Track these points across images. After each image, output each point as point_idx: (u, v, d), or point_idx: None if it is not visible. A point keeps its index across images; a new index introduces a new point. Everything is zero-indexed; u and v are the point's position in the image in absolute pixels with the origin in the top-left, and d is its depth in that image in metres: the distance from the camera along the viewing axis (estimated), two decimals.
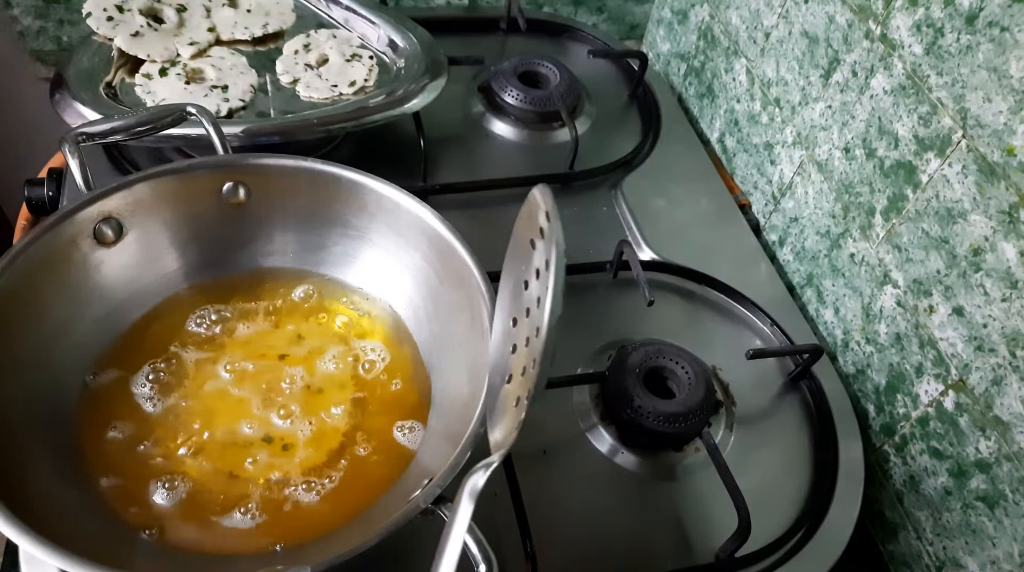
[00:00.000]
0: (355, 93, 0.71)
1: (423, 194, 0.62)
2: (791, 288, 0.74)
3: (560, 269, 0.34)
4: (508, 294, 0.42)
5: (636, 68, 0.88)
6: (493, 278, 0.46)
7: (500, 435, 0.39)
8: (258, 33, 0.74)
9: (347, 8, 0.79)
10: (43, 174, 0.69)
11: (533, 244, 0.38)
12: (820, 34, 0.67)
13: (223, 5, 0.75)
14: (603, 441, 0.59)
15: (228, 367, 0.53)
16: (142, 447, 0.49)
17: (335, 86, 0.71)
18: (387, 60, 0.76)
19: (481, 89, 0.85)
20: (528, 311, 0.38)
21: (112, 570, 0.37)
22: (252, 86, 0.70)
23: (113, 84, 0.68)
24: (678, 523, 0.56)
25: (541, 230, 0.36)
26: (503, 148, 0.81)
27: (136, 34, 0.70)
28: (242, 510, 0.47)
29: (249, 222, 0.57)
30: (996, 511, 0.53)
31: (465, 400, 0.47)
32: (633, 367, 0.59)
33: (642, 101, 0.88)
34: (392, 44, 0.77)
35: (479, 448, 0.41)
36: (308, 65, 0.73)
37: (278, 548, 0.46)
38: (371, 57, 0.75)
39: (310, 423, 0.51)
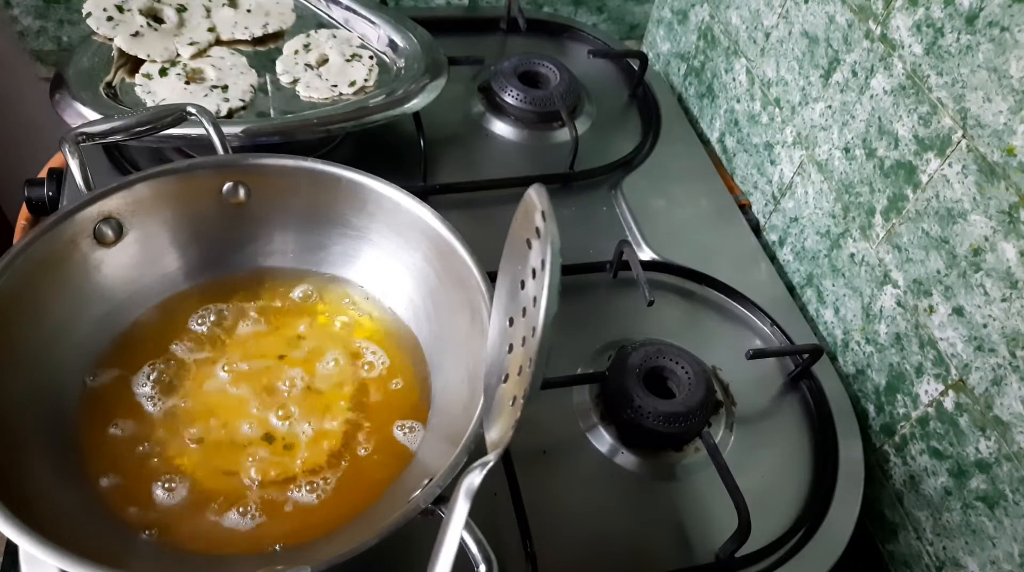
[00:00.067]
0: (355, 93, 0.71)
1: (423, 194, 0.62)
2: (791, 288, 0.74)
3: (556, 268, 0.34)
4: (505, 294, 0.42)
5: (636, 68, 0.88)
6: (493, 278, 0.46)
7: (497, 434, 0.39)
8: (258, 33, 0.74)
9: (347, 8, 0.79)
10: (43, 174, 0.69)
11: (529, 244, 0.38)
12: (820, 34, 0.67)
13: (223, 5, 0.75)
14: (603, 441, 0.59)
15: (228, 367, 0.53)
16: (142, 447, 0.49)
17: (335, 86, 0.71)
18: (387, 60, 0.76)
19: (481, 89, 0.85)
20: (524, 311, 0.38)
21: (112, 570, 0.37)
22: (252, 86, 0.70)
23: (113, 84, 0.68)
24: (678, 523, 0.56)
25: (537, 230, 0.36)
26: (503, 148, 0.81)
27: (136, 34, 0.70)
28: (242, 510, 0.47)
29: (249, 222, 0.57)
30: (996, 511, 0.53)
31: (465, 400, 0.47)
32: (633, 367, 0.59)
33: (642, 101, 0.88)
34: (392, 44, 0.77)
35: (479, 448, 0.41)
36: (308, 65, 0.73)
37: (278, 548, 0.46)
38: (371, 57, 0.75)
39: (310, 423, 0.51)
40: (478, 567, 0.36)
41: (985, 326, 0.53)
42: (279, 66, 0.72)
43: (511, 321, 0.41)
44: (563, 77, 0.83)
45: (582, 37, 0.94)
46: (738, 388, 0.64)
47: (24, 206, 0.69)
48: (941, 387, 0.57)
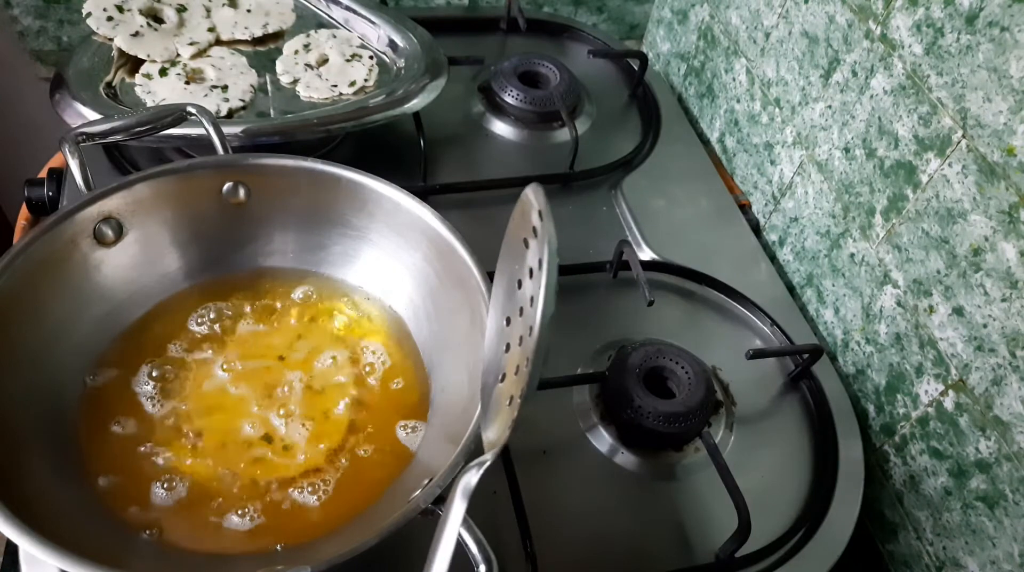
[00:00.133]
0: (355, 93, 0.71)
1: (423, 194, 0.62)
2: (791, 288, 0.74)
3: (552, 268, 0.34)
4: (502, 293, 0.42)
5: (636, 68, 0.88)
6: (493, 278, 0.46)
7: (494, 434, 0.39)
8: (258, 33, 0.74)
9: (347, 8, 0.79)
10: (43, 174, 0.69)
11: (526, 243, 0.38)
12: (820, 34, 0.67)
13: (223, 5, 0.75)
14: (603, 441, 0.59)
15: (228, 367, 0.53)
16: (142, 447, 0.49)
17: (335, 86, 0.71)
18: (387, 60, 0.76)
19: (481, 89, 0.85)
20: (522, 310, 0.38)
21: (112, 570, 0.37)
22: (252, 86, 0.70)
23: (113, 84, 0.68)
24: (678, 523, 0.56)
25: (534, 229, 0.36)
26: (503, 148, 0.81)
27: (136, 34, 0.70)
28: (242, 510, 0.47)
29: (249, 222, 0.57)
30: (996, 511, 0.53)
31: (465, 400, 0.47)
32: (633, 367, 0.59)
33: (642, 101, 0.88)
34: (392, 44, 0.77)
35: (479, 448, 0.41)
36: (308, 65, 0.73)
37: (278, 548, 0.46)
38: (371, 57, 0.75)
39: (310, 423, 0.51)
40: (478, 567, 0.36)
41: (985, 326, 0.53)
42: (279, 66, 0.72)
43: (508, 320, 0.41)
44: (563, 77, 0.83)
45: (582, 37, 0.94)
46: (738, 388, 0.64)
47: (24, 206, 0.69)
48: (941, 387, 0.57)
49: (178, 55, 0.70)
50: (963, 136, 0.53)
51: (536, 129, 0.82)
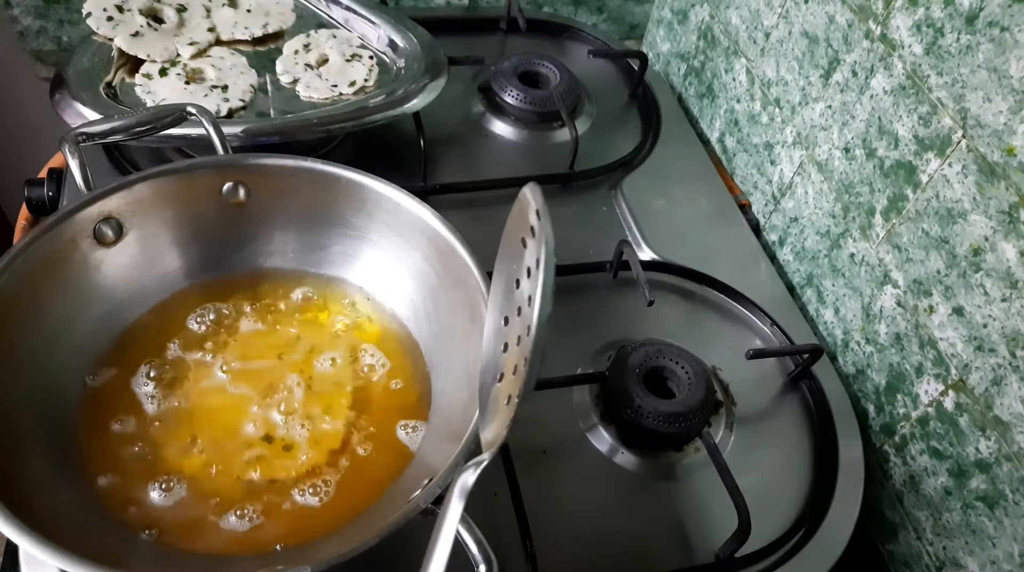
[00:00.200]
0: (355, 93, 0.71)
1: (423, 194, 0.62)
2: (791, 288, 0.74)
3: (550, 267, 0.34)
4: (500, 293, 0.42)
5: (636, 68, 0.88)
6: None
7: (491, 434, 0.39)
8: (258, 33, 0.74)
9: (347, 8, 0.79)
10: (43, 174, 0.69)
11: (524, 242, 0.38)
12: (820, 34, 0.67)
13: (223, 5, 0.75)
14: (603, 441, 0.59)
15: (228, 367, 0.53)
16: (142, 447, 0.49)
17: (335, 86, 0.71)
18: (387, 60, 0.76)
19: (481, 89, 0.85)
20: (519, 310, 0.38)
21: (112, 570, 0.37)
22: (252, 86, 0.70)
23: (113, 84, 0.68)
24: (678, 523, 0.56)
25: (532, 228, 0.36)
26: (503, 148, 0.81)
27: (136, 34, 0.70)
28: (242, 510, 0.47)
29: (249, 222, 0.57)
30: (996, 511, 0.53)
31: (465, 400, 0.47)
32: (633, 367, 0.59)
33: (642, 101, 0.88)
34: (392, 44, 0.77)
35: (480, 448, 0.41)
36: (308, 65, 0.73)
37: (278, 548, 0.46)
38: (371, 57, 0.75)
39: (310, 423, 0.51)
40: (478, 567, 0.36)
41: (985, 326, 0.53)
42: (279, 66, 0.72)
43: (506, 320, 0.41)
44: (563, 77, 0.83)
45: (582, 37, 0.94)
46: (738, 388, 0.64)
47: (24, 206, 0.69)
48: (941, 387, 0.57)
49: (178, 55, 0.70)
50: (963, 136, 0.53)
51: (536, 129, 0.82)
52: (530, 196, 0.37)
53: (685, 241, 0.73)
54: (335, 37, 0.76)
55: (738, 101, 0.81)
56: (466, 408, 0.46)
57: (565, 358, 0.63)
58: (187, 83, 0.68)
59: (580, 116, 0.84)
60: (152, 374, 0.52)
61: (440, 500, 0.40)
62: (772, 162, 0.76)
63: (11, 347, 0.46)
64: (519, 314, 0.38)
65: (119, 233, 0.53)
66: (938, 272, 0.56)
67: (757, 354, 0.63)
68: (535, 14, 0.95)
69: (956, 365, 0.55)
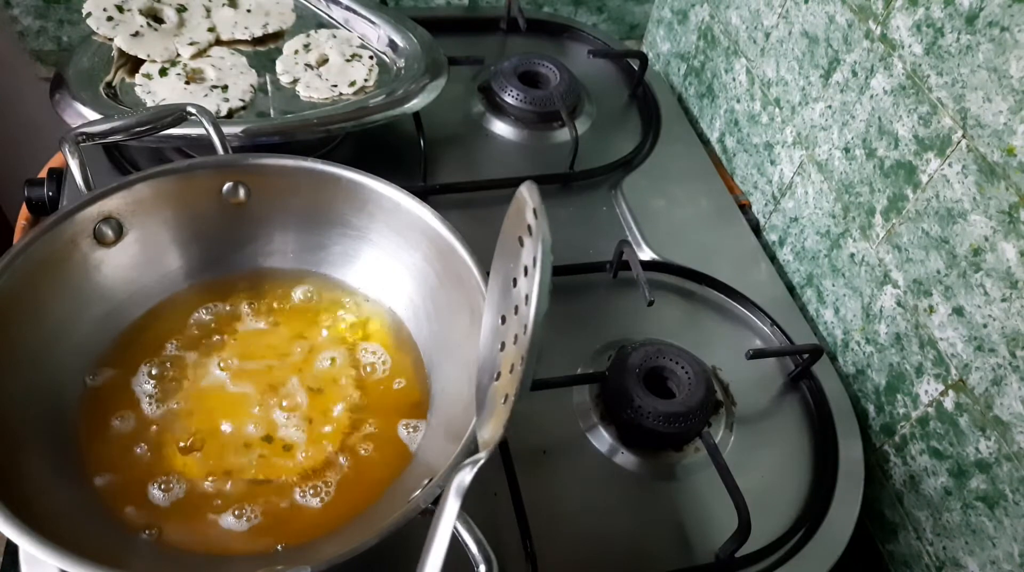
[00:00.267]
0: (355, 93, 0.71)
1: (423, 194, 0.62)
2: (791, 288, 0.74)
3: (546, 266, 0.34)
4: (497, 292, 0.42)
5: (636, 68, 0.88)
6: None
7: (488, 433, 0.39)
8: (258, 33, 0.74)
9: (347, 8, 0.79)
10: (43, 174, 0.69)
11: (521, 241, 0.38)
12: (820, 34, 0.67)
13: (223, 5, 0.75)
14: (603, 441, 0.59)
15: (228, 367, 0.53)
16: (142, 447, 0.49)
17: (335, 86, 0.71)
18: (387, 60, 0.76)
19: (481, 89, 0.85)
20: (516, 309, 0.38)
21: (112, 570, 0.37)
22: (252, 86, 0.70)
23: (113, 84, 0.68)
24: (678, 523, 0.56)
25: (529, 227, 0.36)
26: (503, 148, 0.81)
27: (136, 34, 0.70)
28: (242, 510, 0.47)
29: (249, 222, 0.57)
30: (996, 511, 0.53)
31: (465, 400, 0.47)
32: (633, 367, 0.59)
33: (642, 101, 0.88)
34: (392, 44, 0.77)
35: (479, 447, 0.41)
36: (308, 65, 0.73)
37: (278, 548, 0.46)
38: (371, 57, 0.75)
39: (310, 423, 0.51)
40: (478, 567, 0.36)
41: (985, 326, 0.53)
42: (279, 66, 0.72)
43: (503, 319, 0.40)
44: (563, 77, 0.83)
45: (582, 37, 0.94)
46: (738, 388, 0.64)
47: (24, 206, 0.69)
48: (941, 387, 0.57)
49: (178, 55, 0.70)
50: (963, 136, 0.53)
51: (536, 129, 0.82)
52: (527, 195, 0.37)
53: (685, 241, 0.73)
54: (335, 37, 0.76)
55: (738, 101, 0.81)
56: (466, 408, 0.46)
57: (565, 358, 0.63)
58: (187, 83, 0.68)
59: (580, 116, 0.84)
60: (152, 374, 0.52)
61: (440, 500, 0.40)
62: (772, 162, 0.76)
63: (11, 347, 0.46)
64: (516, 313, 0.38)
65: (119, 233, 0.53)
66: (938, 272, 0.56)
67: (757, 354, 0.63)
68: (535, 14, 0.95)
69: (956, 365, 0.55)
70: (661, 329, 0.67)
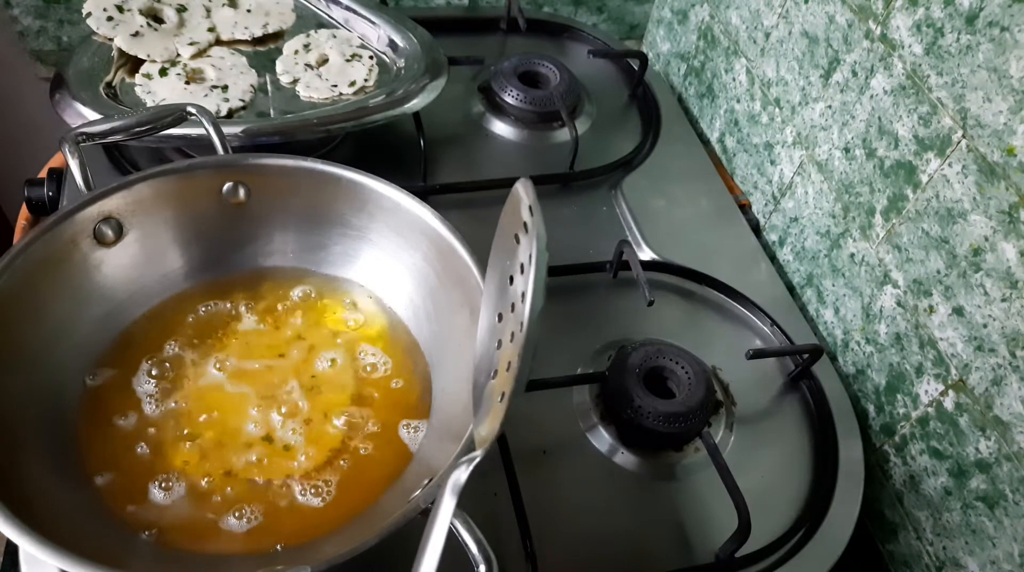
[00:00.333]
0: (355, 93, 0.71)
1: (423, 194, 0.62)
2: (791, 288, 0.74)
3: (542, 263, 0.34)
4: (494, 289, 0.42)
5: (636, 68, 0.88)
6: None
7: (485, 430, 0.39)
8: (258, 33, 0.74)
9: (347, 8, 0.79)
10: (43, 174, 0.69)
11: (517, 239, 0.38)
12: (820, 34, 0.67)
13: (223, 5, 0.75)
14: (603, 441, 0.59)
15: (228, 367, 0.53)
16: (142, 447, 0.49)
17: (335, 86, 0.71)
18: (387, 60, 0.76)
19: (481, 89, 0.85)
20: (513, 306, 0.38)
21: (112, 570, 0.37)
22: (252, 86, 0.70)
23: (113, 84, 0.68)
24: (678, 523, 0.56)
25: (525, 224, 0.36)
26: (503, 148, 0.81)
27: (136, 34, 0.70)
28: (242, 510, 0.47)
29: (249, 222, 0.57)
30: (996, 511, 0.53)
31: (465, 400, 0.47)
32: (633, 367, 0.59)
33: (642, 101, 0.88)
34: (392, 44, 0.77)
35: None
36: (308, 65, 0.73)
37: (278, 548, 0.46)
38: (371, 57, 0.75)
39: (310, 423, 0.51)
40: (478, 567, 0.36)
41: (985, 326, 0.53)
42: (279, 66, 0.72)
43: (500, 316, 0.40)
44: (563, 77, 0.83)
45: (582, 37, 0.94)
46: (738, 388, 0.64)
47: (24, 206, 0.69)
48: (941, 387, 0.57)
49: (178, 55, 0.70)
50: (963, 136, 0.53)
51: (536, 129, 0.82)
52: (522, 192, 0.37)
53: (685, 241, 0.73)
54: (335, 37, 0.76)
55: (738, 101, 0.81)
56: (466, 408, 0.46)
57: (565, 358, 0.63)
58: (187, 83, 0.68)
59: (580, 116, 0.84)
60: (152, 374, 0.52)
61: None
62: (772, 162, 0.76)
63: (11, 347, 0.46)
64: (512, 310, 0.38)
65: (119, 233, 0.53)
66: (938, 272, 0.56)
67: (757, 354, 0.63)
68: (535, 14, 0.95)
69: (956, 365, 0.55)
70: (661, 329, 0.67)
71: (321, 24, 0.78)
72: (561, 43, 0.94)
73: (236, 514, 0.47)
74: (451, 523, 0.36)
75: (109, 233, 0.52)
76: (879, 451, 0.63)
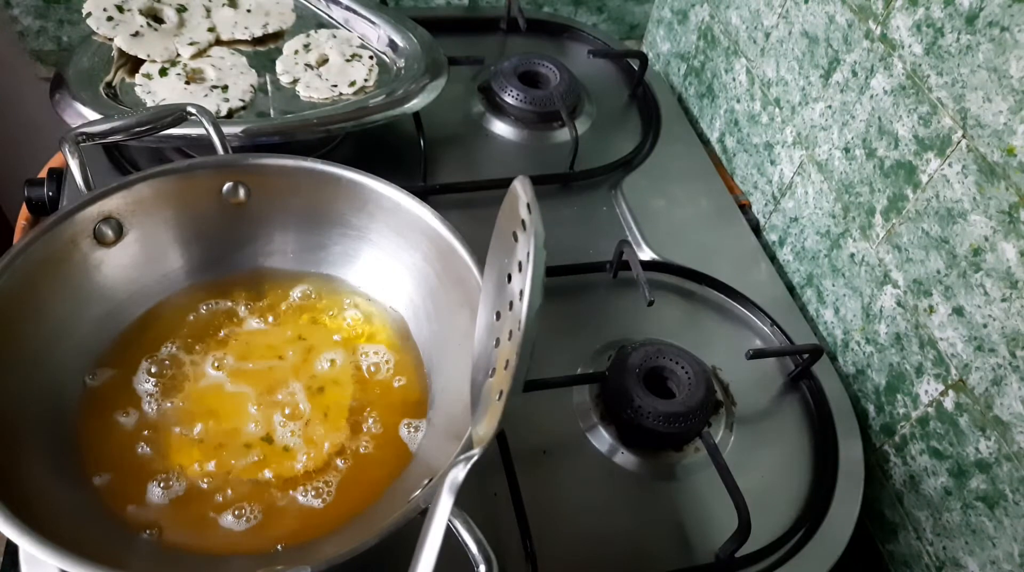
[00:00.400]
0: (355, 93, 0.71)
1: (423, 194, 0.62)
2: (791, 288, 0.74)
3: (539, 260, 0.34)
4: (492, 288, 0.42)
5: (636, 68, 0.88)
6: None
7: (483, 429, 0.39)
8: (258, 33, 0.74)
9: (347, 8, 0.79)
10: (43, 174, 0.69)
11: (515, 236, 0.38)
12: (820, 34, 0.67)
13: (223, 5, 0.75)
14: (603, 441, 0.59)
15: (228, 367, 0.53)
16: (142, 447, 0.49)
17: (335, 86, 0.71)
18: (387, 60, 0.76)
19: (481, 89, 0.85)
20: (511, 305, 0.38)
21: (112, 570, 0.37)
22: (252, 86, 0.70)
23: (113, 84, 0.68)
24: (678, 523, 0.56)
25: (523, 222, 0.36)
26: (503, 148, 0.81)
27: (136, 34, 0.70)
28: (242, 510, 0.47)
29: (249, 222, 0.57)
30: (996, 511, 0.53)
31: (465, 400, 0.47)
32: (633, 367, 0.59)
33: (642, 101, 0.88)
34: (392, 44, 0.77)
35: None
36: (308, 65, 0.73)
37: (278, 548, 0.46)
38: (371, 57, 0.75)
39: (310, 423, 0.51)
40: (478, 567, 0.36)
41: (985, 326, 0.53)
42: (279, 66, 0.72)
43: (498, 315, 0.40)
44: (563, 77, 0.83)
45: (582, 37, 0.94)
46: (738, 388, 0.64)
47: (24, 206, 0.69)
48: (941, 387, 0.57)
49: (178, 55, 0.70)
50: (963, 136, 0.53)
51: (536, 129, 0.82)
52: (520, 189, 0.37)
53: (685, 241, 0.73)
54: (335, 37, 0.76)
55: (738, 101, 0.81)
56: (467, 407, 0.46)
57: (565, 358, 0.63)
58: (187, 83, 0.68)
59: (580, 116, 0.84)
60: (152, 374, 0.52)
61: None
62: (772, 162, 0.76)
63: (11, 347, 0.46)
64: (511, 309, 0.38)
65: (119, 233, 0.53)
66: (938, 272, 0.56)
67: (757, 354, 0.63)
68: (535, 14, 0.95)
69: (956, 365, 0.55)
70: (661, 329, 0.67)
71: (321, 24, 0.78)
72: (561, 43, 0.94)
73: (236, 514, 0.47)
74: (451, 523, 0.36)
75: (109, 233, 0.52)
76: (879, 451, 0.63)
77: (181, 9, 0.73)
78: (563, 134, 0.82)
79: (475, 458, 0.37)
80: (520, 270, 0.37)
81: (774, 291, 0.71)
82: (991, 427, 0.53)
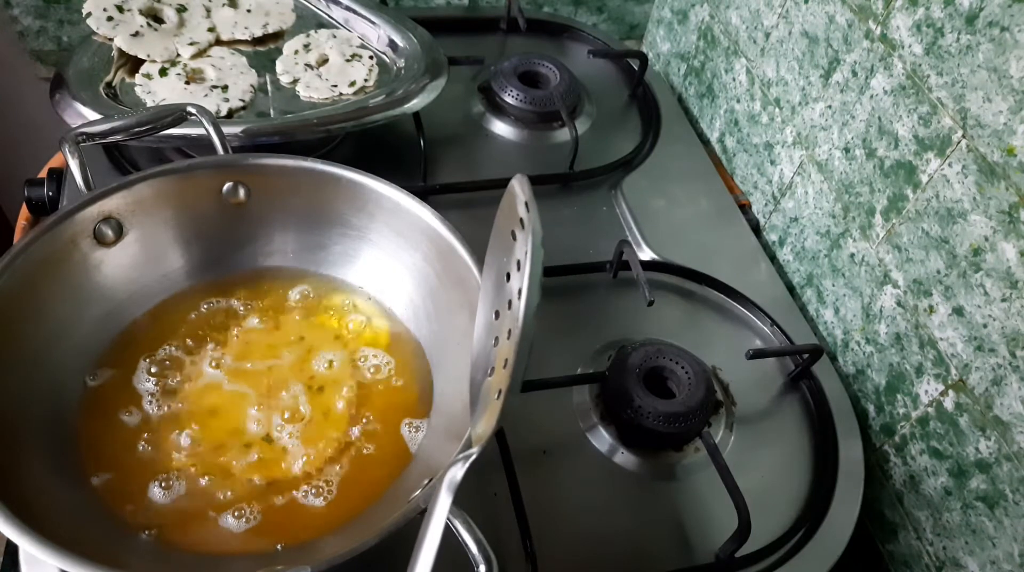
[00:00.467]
0: (355, 93, 0.71)
1: (423, 194, 0.62)
2: (791, 288, 0.74)
3: (537, 258, 0.34)
4: (491, 287, 0.42)
5: (636, 68, 0.88)
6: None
7: (481, 428, 0.39)
8: (258, 33, 0.74)
9: (347, 8, 0.79)
10: (43, 174, 0.69)
11: (514, 235, 0.37)
12: (820, 34, 0.67)
13: (223, 5, 0.75)
14: (603, 441, 0.59)
15: (228, 367, 0.53)
16: (142, 447, 0.49)
17: (335, 86, 0.71)
18: (387, 60, 0.76)
19: (481, 89, 0.85)
20: (510, 304, 0.38)
21: (112, 570, 0.37)
22: (252, 86, 0.70)
23: (113, 84, 0.68)
24: (678, 523, 0.56)
25: (521, 221, 0.36)
26: (503, 148, 0.81)
27: (136, 34, 0.70)
28: (242, 510, 0.47)
29: (249, 222, 0.57)
30: (996, 511, 0.53)
31: (465, 399, 0.47)
32: (633, 367, 0.59)
33: (642, 101, 0.88)
34: (392, 44, 0.77)
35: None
36: (308, 65, 0.73)
37: (278, 548, 0.46)
38: (371, 57, 0.75)
39: (311, 423, 0.51)
40: (478, 567, 0.36)
41: (985, 326, 0.53)
42: (279, 66, 0.72)
43: (497, 314, 0.40)
44: (563, 77, 0.83)
45: (582, 37, 0.94)
46: (738, 388, 0.64)
47: (24, 206, 0.69)
48: (941, 387, 0.57)
49: (178, 55, 0.70)
50: (963, 136, 0.53)
51: (536, 129, 0.82)
52: (518, 188, 0.37)
53: (685, 241, 0.73)
54: (335, 37, 0.76)
55: (738, 101, 0.81)
56: (466, 407, 0.46)
57: (565, 358, 0.63)
58: (187, 83, 0.68)
59: (580, 116, 0.84)
60: (152, 374, 0.52)
61: None
62: (772, 162, 0.76)
63: (11, 347, 0.46)
64: (510, 308, 0.38)
65: (119, 233, 0.53)
66: (938, 272, 0.56)
67: (757, 354, 0.63)
68: (535, 14, 0.95)
69: (956, 365, 0.55)
70: (661, 329, 0.67)
71: (321, 24, 0.78)
72: (561, 43, 0.94)
73: (236, 514, 0.47)
74: (451, 523, 0.36)
75: (109, 233, 0.52)
76: (879, 451, 0.63)
77: (181, 9, 0.73)
78: (563, 134, 0.82)
79: (473, 457, 0.37)
80: (519, 269, 0.37)
81: (774, 291, 0.71)
82: (991, 427, 0.53)
